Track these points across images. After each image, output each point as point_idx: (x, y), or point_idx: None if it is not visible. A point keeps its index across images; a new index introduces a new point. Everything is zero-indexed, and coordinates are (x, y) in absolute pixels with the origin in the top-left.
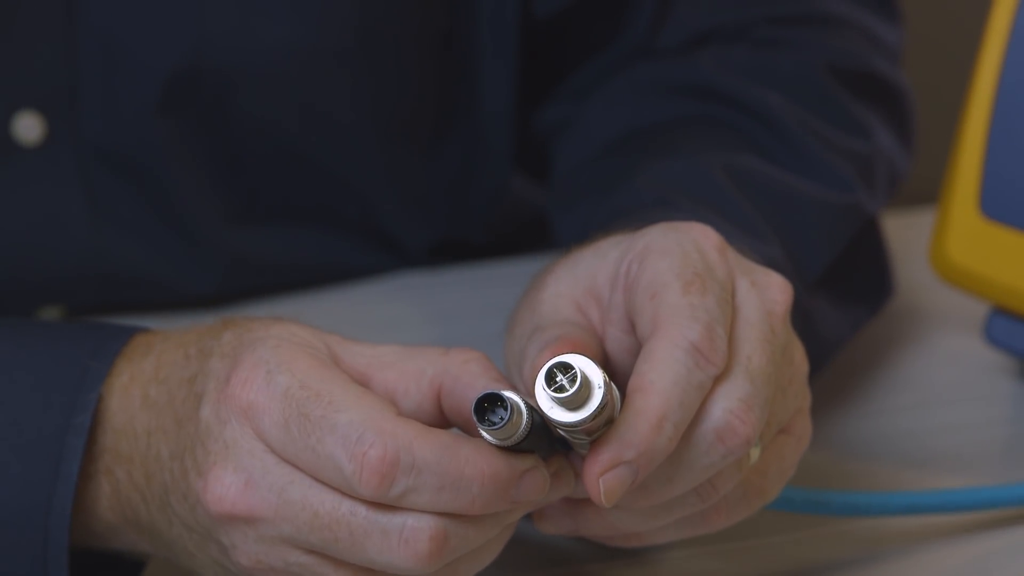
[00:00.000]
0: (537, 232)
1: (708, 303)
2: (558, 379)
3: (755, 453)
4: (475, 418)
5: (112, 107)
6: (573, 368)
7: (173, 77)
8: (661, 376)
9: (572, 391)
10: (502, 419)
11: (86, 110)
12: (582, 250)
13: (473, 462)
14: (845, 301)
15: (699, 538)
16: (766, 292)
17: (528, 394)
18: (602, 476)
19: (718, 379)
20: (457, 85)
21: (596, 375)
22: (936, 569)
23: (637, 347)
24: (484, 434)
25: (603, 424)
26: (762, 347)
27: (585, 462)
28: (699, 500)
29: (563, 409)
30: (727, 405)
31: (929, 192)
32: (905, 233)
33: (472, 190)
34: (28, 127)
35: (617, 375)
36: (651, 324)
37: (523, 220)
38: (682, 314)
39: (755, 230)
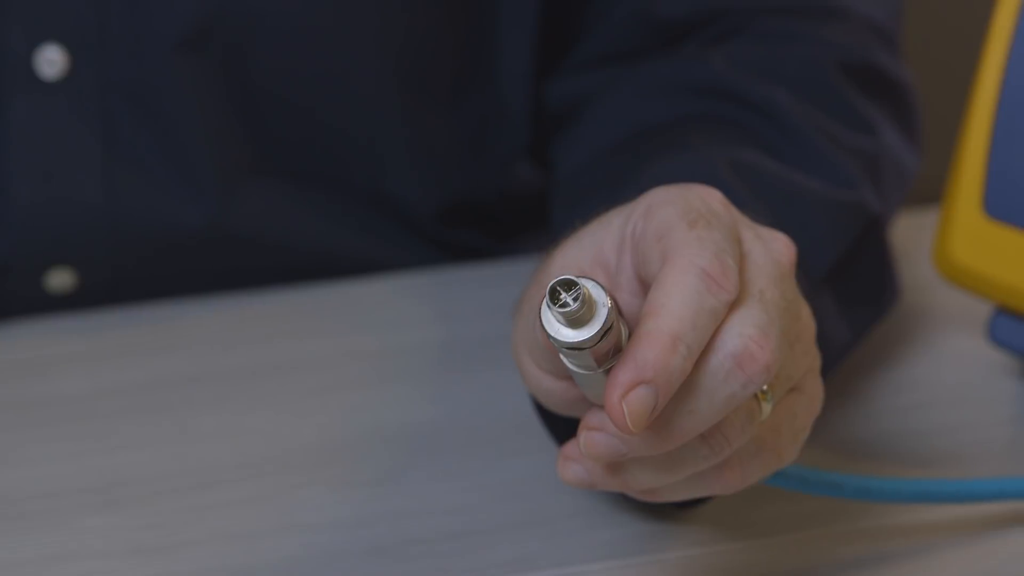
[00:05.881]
0: (544, 213)
1: (715, 235)
2: (561, 296)
3: (767, 408)
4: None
5: (136, 44)
6: (577, 285)
7: (198, 17)
8: (671, 298)
9: (575, 306)
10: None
11: (111, 45)
12: (587, 225)
13: None
14: (850, 301)
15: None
16: (771, 244)
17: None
18: (624, 399)
19: (732, 308)
20: (476, 39)
21: (601, 294)
22: (940, 572)
23: None
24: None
25: (612, 353)
26: (774, 283)
27: (606, 390)
28: (711, 452)
29: (568, 328)
30: (743, 331)
31: (932, 192)
32: (908, 233)
33: (487, 152)
34: (51, 61)
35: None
36: (660, 261)
37: (530, 201)
38: (690, 244)
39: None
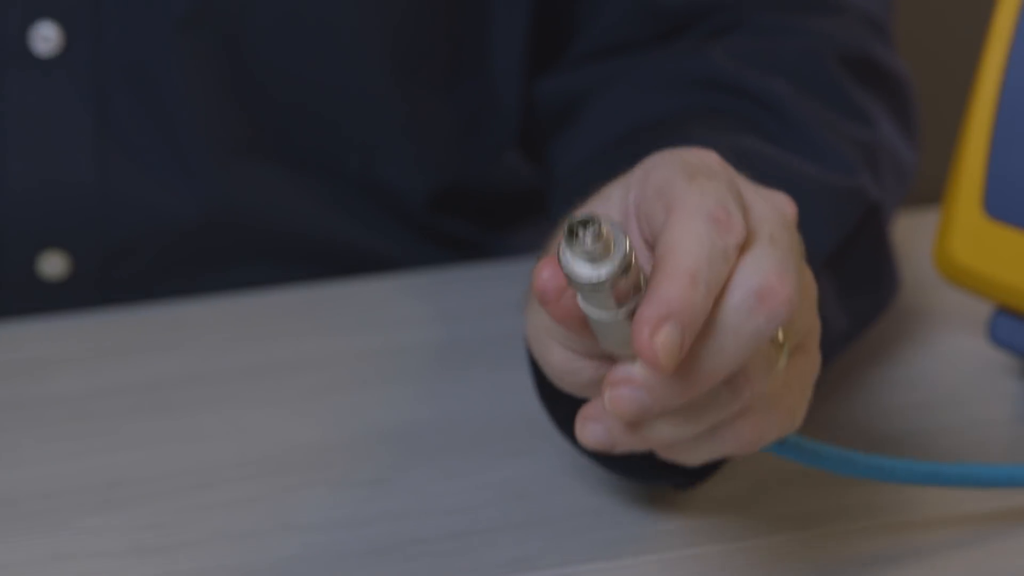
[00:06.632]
0: (534, 205)
1: (716, 184)
2: (579, 234)
3: (783, 359)
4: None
5: (132, 23)
6: (594, 222)
7: None
8: (683, 239)
9: (592, 241)
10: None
11: (106, 24)
12: (587, 202)
13: None
14: (849, 290)
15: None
16: (773, 198)
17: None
18: (653, 335)
19: (744, 250)
20: (468, 26)
21: (618, 231)
22: (943, 571)
23: None
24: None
25: (632, 292)
26: (782, 227)
27: (633, 330)
28: (733, 397)
29: (587, 264)
30: (761, 267)
31: (933, 191)
32: (908, 233)
33: (477, 139)
34: (46, 37)
35: None
36: (664, 214)
37: (519, 194)
38: (692, 193)
39: None
